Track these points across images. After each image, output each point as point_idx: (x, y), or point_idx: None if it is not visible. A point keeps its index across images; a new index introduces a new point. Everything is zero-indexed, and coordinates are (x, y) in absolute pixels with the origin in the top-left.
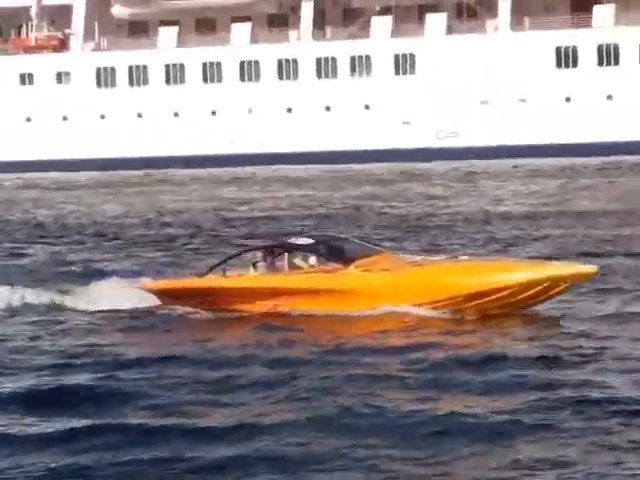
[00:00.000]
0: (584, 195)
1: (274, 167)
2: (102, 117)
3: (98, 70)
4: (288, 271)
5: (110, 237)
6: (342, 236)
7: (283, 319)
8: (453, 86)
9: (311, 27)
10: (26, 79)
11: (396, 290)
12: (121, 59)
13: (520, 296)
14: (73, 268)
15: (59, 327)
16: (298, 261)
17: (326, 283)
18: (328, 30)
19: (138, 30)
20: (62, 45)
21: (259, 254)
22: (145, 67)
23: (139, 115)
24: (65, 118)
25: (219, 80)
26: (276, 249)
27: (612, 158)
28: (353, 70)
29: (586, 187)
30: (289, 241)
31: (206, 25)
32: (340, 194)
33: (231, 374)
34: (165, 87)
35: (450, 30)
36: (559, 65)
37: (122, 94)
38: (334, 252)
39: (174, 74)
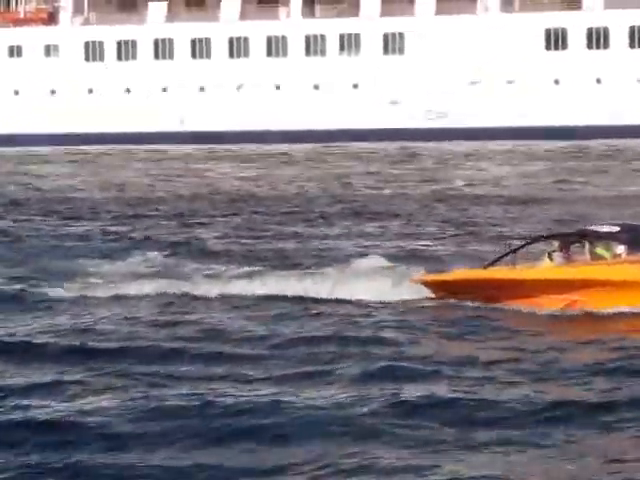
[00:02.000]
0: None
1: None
2: (90, 91)
3: (87, 44)
4: (589, 261)
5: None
6: None
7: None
8: (442, 66)
9: (301, 5)
10: (14, 52)
11: None
12: (110, 34)
13: None
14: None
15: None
16: (600, 250)
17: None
18: (317, 8)
19: (127, 5)
20: (51, 19)
21: (555, 243)
22: (134, 42)
23: (127, 90)
24: (53, 92)
25: (208, 56)
26: (574, 237)
27: (602, 141)
28: (342, 49)
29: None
30: (591, 228)
31: (195, 1)
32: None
33: None
34: (153, 62)
35: (440, 10)
36: (548, 47)
37: (110, 69)
38: None
39: (162, 49)
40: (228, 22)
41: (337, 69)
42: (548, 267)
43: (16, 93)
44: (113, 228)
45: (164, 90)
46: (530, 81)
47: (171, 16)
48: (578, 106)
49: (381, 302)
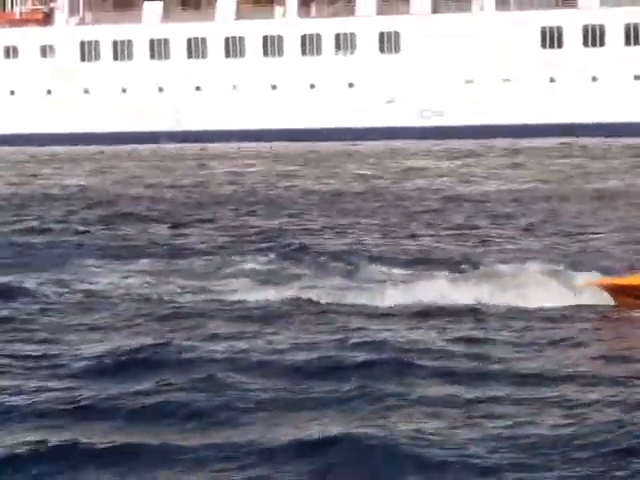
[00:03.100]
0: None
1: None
2: (86, 91)
3: (82, 44)
4: None
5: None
6: None
7: None
8: (438, 65)
9: (296, 4)
10: (10, 52)
11: None
12: (105, 33)
13: None
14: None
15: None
16: None
17: None
18: (313, 7)
19: (123, 5)
20: (47, 19)
21: None
22: (130, 42)
23: (123, 90)
24: (49, 92)
25: (204, 56)
26: None
27: (600, 139)
28: (338, 48)
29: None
30: None
31: (191, 1)
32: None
33: None
34: (149, 62)
35: (435, 9)
36: (544, 45)
37: (106, 68)
38: None
39: (158, 49)
40: (224, 22)
41: (333, 68)
42: None
43: (12, 93)
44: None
45: (160, 90)
46: (526, 79)
47: (167, 16)
48: (574, 104)
49: (564, 307)
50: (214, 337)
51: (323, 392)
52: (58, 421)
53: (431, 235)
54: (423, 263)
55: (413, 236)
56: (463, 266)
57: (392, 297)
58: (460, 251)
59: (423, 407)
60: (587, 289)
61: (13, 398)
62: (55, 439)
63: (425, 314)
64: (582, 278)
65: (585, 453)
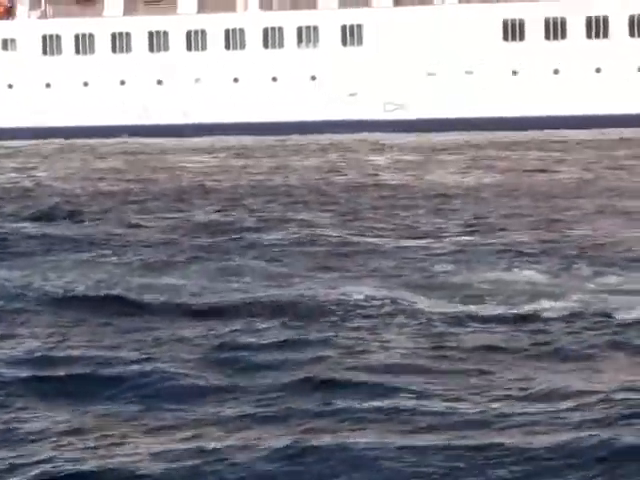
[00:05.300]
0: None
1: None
2: (48, 85)
3: (44, 37)
4: None
5: None
6: None
7: None
8: (400, 58)
9: None
10: None
11: None
12: (67, 27)
13: None
14: None
15: None
16: None
17: None
18: (275, 0)
19: None
20: (8, 12)
21: None
22: (91, 35)
23: (85, 84)
24: (10, 86)
25: (165, 49)
26: None
27: (557, 132)
28: (300, 41)
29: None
30: None
31: None
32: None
33: None
34: (111, 56)
35: (398, 1)
36: (506, 38)
37: (68, 62)
38: None
39: (120, 43)
40: (185, 15)
41: (295, 61)
42: None
43: None
44: None
45: (122, 83)
46: (488, 72)
47: (128, 9)
48: (536, 97)
49: None
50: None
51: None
52: None
53: None
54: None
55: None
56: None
57: None
58: None
59: None
60: None
61: None
62: None
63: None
64: None
65: None
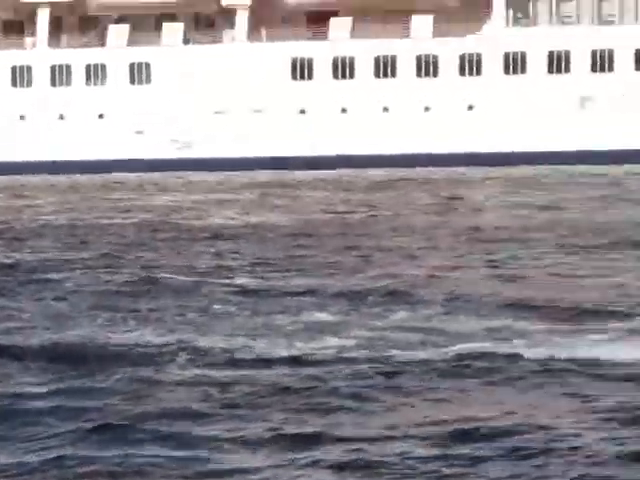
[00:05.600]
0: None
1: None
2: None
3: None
4: None
5: None
6: None
7: None
8: (188, 96)
9: (47, 34)
10: None
11: None
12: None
13: None
14: None
15: None
16: None
17: None
18: (64, 38)
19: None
20: None
21: None
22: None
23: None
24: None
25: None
26: None
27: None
28: (88, 79)
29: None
30: None
31: None
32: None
33: None
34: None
35: (187, 40)
36: (294, 77)
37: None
38: None
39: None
40: None
41: (83, 99)
42: None
43: None
44: None
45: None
46: (276, 110)
47: None
48: (324, 136)
49: None
50: None
51: None
52: None
53: None
54: None
55: None
56: None
57: None
58: None
59: None
60: None
61: None
62: None
63: None
64: None
65: None
